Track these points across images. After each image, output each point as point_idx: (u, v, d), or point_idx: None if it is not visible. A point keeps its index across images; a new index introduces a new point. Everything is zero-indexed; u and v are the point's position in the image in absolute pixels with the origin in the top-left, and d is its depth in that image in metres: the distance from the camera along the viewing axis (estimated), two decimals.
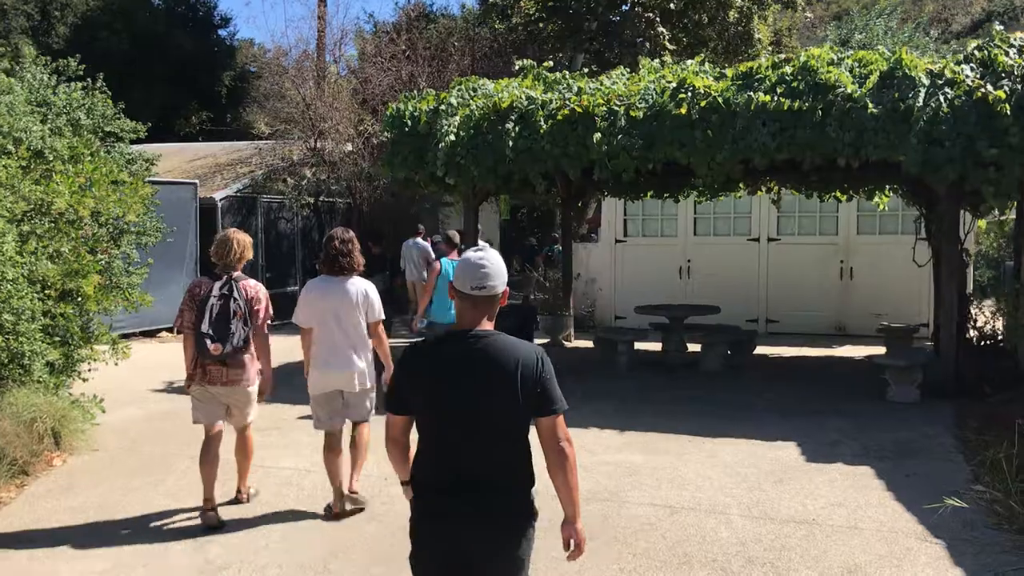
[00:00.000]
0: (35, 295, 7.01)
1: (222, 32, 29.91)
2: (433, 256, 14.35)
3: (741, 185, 13.50)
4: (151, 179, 14.59)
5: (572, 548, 2.96)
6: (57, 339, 7.62)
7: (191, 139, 24.10)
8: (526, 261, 18.25)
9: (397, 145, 10.42)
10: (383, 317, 5.74)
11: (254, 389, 5.71)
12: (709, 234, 15.69)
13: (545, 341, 13.79)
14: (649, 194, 14.23)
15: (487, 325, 2.91)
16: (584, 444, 7.39)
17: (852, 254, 14.74)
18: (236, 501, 5.98)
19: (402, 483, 3.10)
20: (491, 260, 2.92)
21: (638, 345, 11.67)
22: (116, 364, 8.69)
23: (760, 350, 12.30)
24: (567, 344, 13.87)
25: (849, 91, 8.68)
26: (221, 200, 15.75)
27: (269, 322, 5.69)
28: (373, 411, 5.84)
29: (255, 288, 5.64)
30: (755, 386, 10.09)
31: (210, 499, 5.60)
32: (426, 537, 2.92)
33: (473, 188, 10.44)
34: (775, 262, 15.12)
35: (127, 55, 24.28)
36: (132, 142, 9.98)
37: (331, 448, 5.65)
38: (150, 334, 14.42)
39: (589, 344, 12.96)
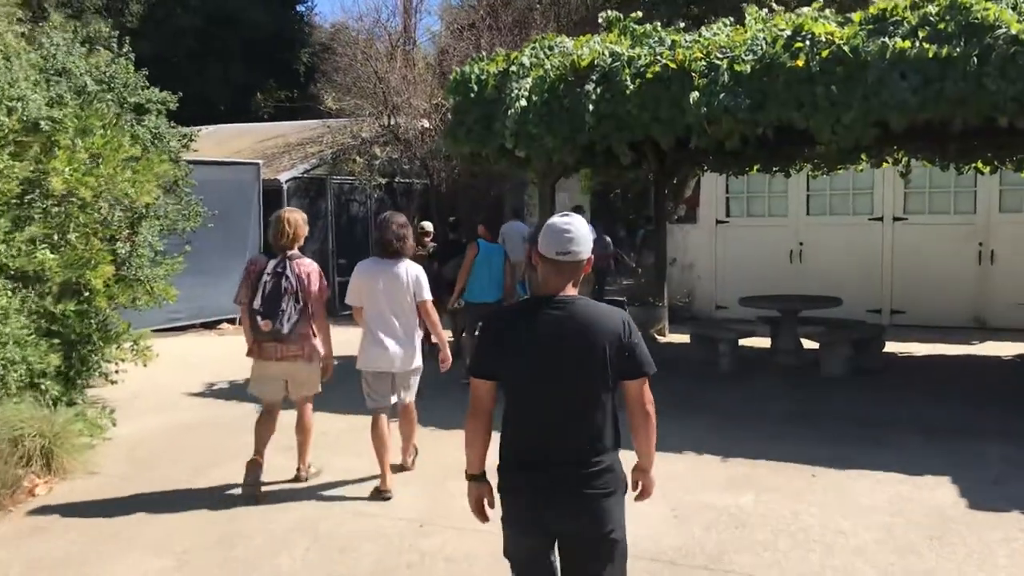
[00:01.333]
0: (9, 290, 5.93)
1: (299, 8, 29.04)
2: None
3: (863, 157, 11.71)
4: (208, 159, 13.78)
5: (639, 490, 3.05)
6: (57, 341, 6.55)
7: (272, 120, 23.26)
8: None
9: (461, 114, 9.03)
10: (430, 297, 5.75)
11: (313, 366, 5.73)
12: (825, 213, 13.86)
13: None
14: (756, 168, 12.52)
15: (571, 291, 2.85)
16: (676, 475, 5.92)
17: (993, 235, 12.71)
18: (296, 479, 5.98)
19: (470, 478, 2.98)
20: (576, 226, 2.84)
21: (743, 342, 10.06)
22: (144, 366, 7.65)
23: (886, 347, 10.51)
24: (660, 339, 12.33)
25: (1014, 32, 6.88)
26: (287, 182, 14.71)
27: (329, 304, 5.77)
28: (418, 392, 6.00)
29: (308, 266, 5.64)
30: (887, 396, 8.38)
31: (259, 454, 5.72)
32: (519, 511, 2.86)
33: (549, 162, 8.99)
34: (901, 245, 13.22)
35: (202, 32, 23.60)
36: (169, 117, 8.85)
37: (378, 428, 5.69)
38: (209, 326, 13.49)
39: (685, 339, 11.42)
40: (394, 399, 5.83)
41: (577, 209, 18.64)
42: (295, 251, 5.62)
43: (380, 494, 5.60)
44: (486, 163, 9.72)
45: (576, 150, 8.71)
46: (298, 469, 6.01)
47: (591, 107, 8.16)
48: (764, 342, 10.35)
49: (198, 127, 10.56)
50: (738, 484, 5.85)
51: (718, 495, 5.64)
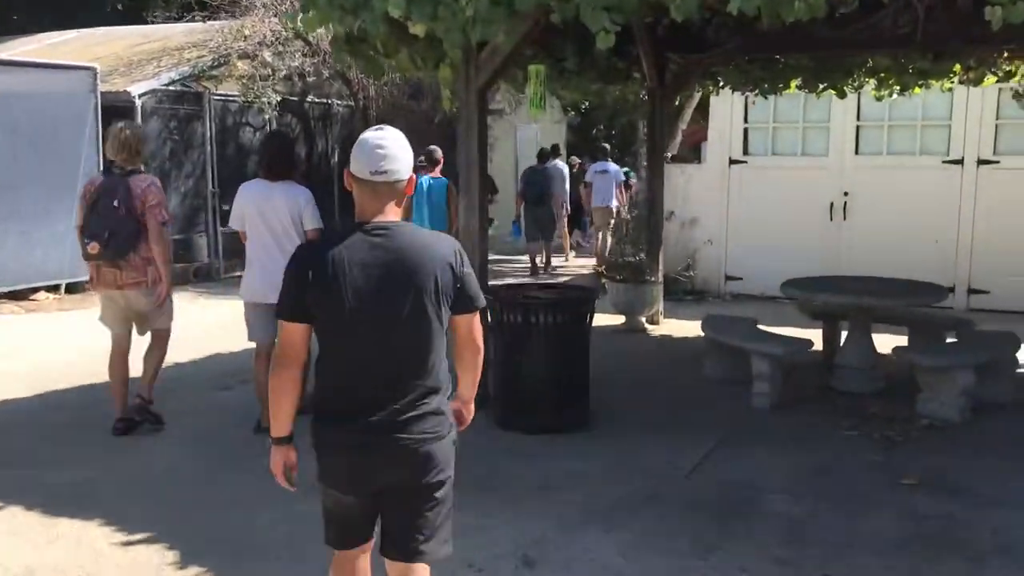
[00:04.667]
0: None
1: None
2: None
3: (957, 69, 7.92)
4: (13, 60, 9.89)
5: (460, 421, 2.85)
6: None
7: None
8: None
9: None
10: (320, 225, 5.26)
11: (158, 292, 5.26)
12: (880, 152, 10.04)
13: (620, 323, 8.56)
14: (795, 84, 8.69)
15: (393, 215, 2.55)
16: None
17: None
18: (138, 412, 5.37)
19: (277, 441, 2.62)
20: (390, 140, 2.54)
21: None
22: None
23: None
24: (652, 329, 8.60)
25: None
26: (142, 96, 10.68)
27: (166, 221, 5.27)
28: None
29: (147, 183, 5.23)
30: None
31: (121, 402, 5.33)
32: (341, 466, 2.56)
33: (467, 44, 5.14)
34: (989, 198, 9.47)
35: None
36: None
37: (258, 364, 5.23)
38: (18, 296, 9.60)
39: (688, 327, 7.79)
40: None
41: (554, 149, 14.94)
42: (136, 167, 5.28)
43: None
44: (370, 55, 5.78)
45: (517, 23, 4.87)
46: (139, 396, 5.39)
47: None
48: (806, 335, 6.59)
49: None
50: None
51: None
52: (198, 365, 7.07)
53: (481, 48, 5.46)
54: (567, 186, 13.69)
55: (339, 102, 13.34)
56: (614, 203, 12.78)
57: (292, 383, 2.56)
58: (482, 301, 2.67)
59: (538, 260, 12.74)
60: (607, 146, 14.06)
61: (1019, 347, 5.90)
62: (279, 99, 11.78)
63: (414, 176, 2.60)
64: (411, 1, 4.82)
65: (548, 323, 5.17)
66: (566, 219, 13.88)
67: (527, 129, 17.81)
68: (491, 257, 13.50)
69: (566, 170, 14.00)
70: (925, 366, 5.49)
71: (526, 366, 5.25)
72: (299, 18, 5.65)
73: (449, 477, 2.64)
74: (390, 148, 2.51)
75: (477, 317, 2.69)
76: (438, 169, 8.48)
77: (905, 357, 5.70)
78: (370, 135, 2.55)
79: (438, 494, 2.61)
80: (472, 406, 2.90)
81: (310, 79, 12.21)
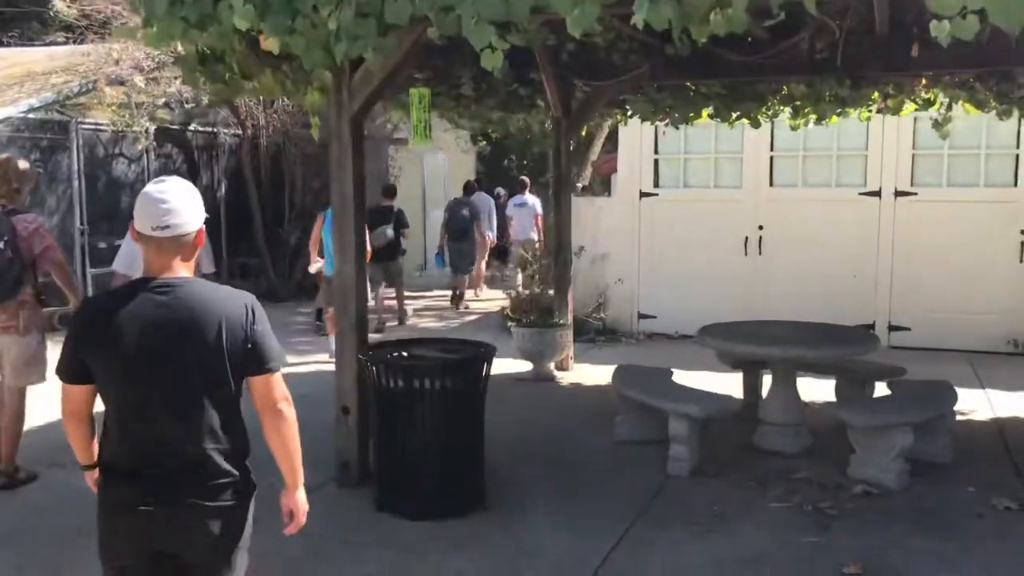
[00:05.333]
0: None
1: None
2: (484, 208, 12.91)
3: (875, 97, 7.54)
4: None
5: (290, 520, 2.64)
6: None
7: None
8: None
9: None
10: (213, 270, 5.30)
11: (27, 342, 5.00)
12: (796, 184, 9.63)
13: (527, 371, 7.86)
14: (706, 113, 8.19)
15: (181, 270, 2.45)
16: None
17: None
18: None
19: (83, 468, 2.62)
20: (173, 193, 2.44)
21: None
22: None
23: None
24: (561, 377, 7.92)
25: None
26: None
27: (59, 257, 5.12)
28: None
29: (32, 223, 4.99)
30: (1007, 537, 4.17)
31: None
32: (121, 528, 2.44)
33: (333, 65, 4.40)
34: (907, 231, 9.12)
35: None
36: None
37: None
38: None
39: (600, 373, 7.21)
40: None
41: (478, 180, 14.42)
42: (18, 206, 5.07)
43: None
44: (225, 79, 4.97)
45: (391, 39, 4.15)
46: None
47: None
48: (722, 380, 5.99)
49: None
50: None
51: None
52: (39, 434, 6.04)
53: (356, 69, 4.74)
54: (493, 218, 13.56)
55: (226, 131, 12.41)
56: (534, 235, 12.54)
57: (81, 434, 2.55)
58: (278, 362, 2.51)
59: (463, 292, 12.55)
60: (526, 179, 13.70)
61: (956, 399, 5.38)
62: (155, 127, 10.78)
63: (203, 228, 2.51)
64: (263, 11, 4.07)
65: (435, 389, 4.42)
66: (488, 252, 13.53)
67: (434, 159, 17.08)
68: (410, 293, 12.99)
69: (491, 202, 13.88)
70: (859, 426, 4.90)
71: (409, 439, 4.48)
72: (138, 34, 4.86)
73: (239, 557, 2.51)
74: (172, 202, 2.42)
75: (275, 379, 2.50)
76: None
77: (836, 415, 5.11)
78: (151, 188, 2.45)
79: (224, 573, 2.48)
80: (300, 497, 2.62)
81: (188, 106, 11.25)
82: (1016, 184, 8.81)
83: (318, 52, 4.10)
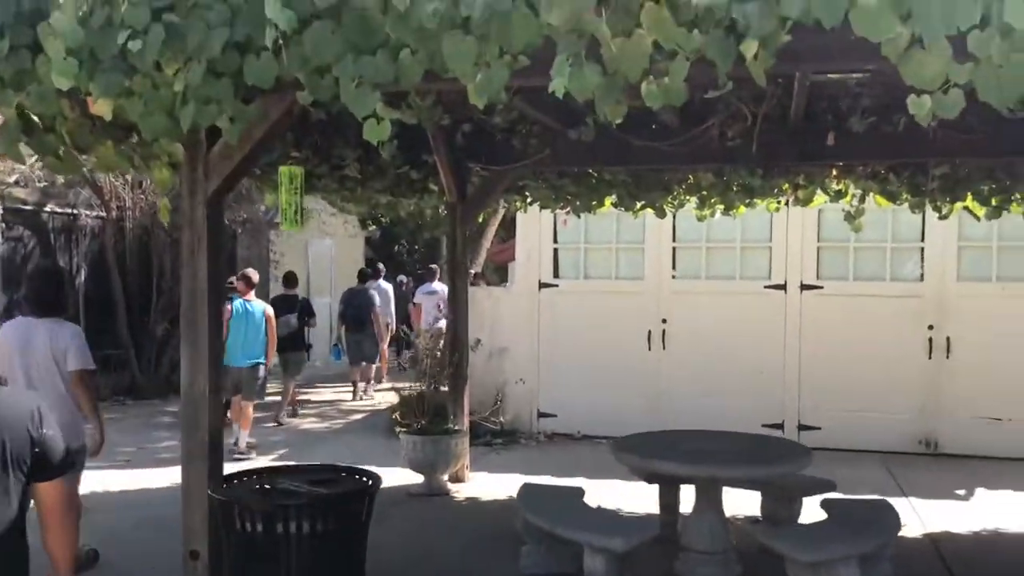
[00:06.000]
0: None
1: None
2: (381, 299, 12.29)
3: (785, 187, 7.23)
4: None
5: None
6: None
7: None
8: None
9: None
10: (90, 366, 4.82)
11: None
12: (699, 276, 9.23)
13: (418, 484, 7.01)
14: (610, 201, 7.72)
15: None
16: None
17: (949, 314, 8.48)
18: None
19: None
20: None
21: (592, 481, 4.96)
22: None
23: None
24: (456, 490, 7.10)
25: None
26: None
27: None
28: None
29: None
30: None
31: None
32: None
33: (193, 142, 3.65)
34: (814, 325, 8.77)
35: None
36: None
37: None
38: None
39: (501, 485, 6.50)
40: None
41: (374, 268, 13.66)
42: None
43: None
44: (58, 152, 4.13)
45: (252, 107, 3.44)
46: None
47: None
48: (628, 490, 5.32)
49: None
50: None
51: None
52: None
53: (216, 142, 3.98)
54: (392, 306, 13.05)
55: (88, 212, 11.33)
56: (442, 324, 11.91)
57: None
58: (68, 467, 2.42)
59: (359, 384, 11.98)
60: (435, 266, 13.13)
61: (899, 524, 4.82)
62: (2, 208, 9.67)
63: None
64: (91, 68, 3.29)
65: (304, 533, 3.58)
66: (387, 341, 12.79)
67: (319, 244, 16.27)
68: (308, 387, 12.02)
69: (391, 289, 13.37)
70: (801, 561, 4.27)
71: None
72: None
73: None
74: None
75: (61, 487, 2.41)
76: (252, 292, 8.43)
77: (772, 546, 4.47)
78: None
79: None
80: None
81: (40, 184, 10.19)
82: (922, 279, 8.62)
83: (160, 119, 3.34)
